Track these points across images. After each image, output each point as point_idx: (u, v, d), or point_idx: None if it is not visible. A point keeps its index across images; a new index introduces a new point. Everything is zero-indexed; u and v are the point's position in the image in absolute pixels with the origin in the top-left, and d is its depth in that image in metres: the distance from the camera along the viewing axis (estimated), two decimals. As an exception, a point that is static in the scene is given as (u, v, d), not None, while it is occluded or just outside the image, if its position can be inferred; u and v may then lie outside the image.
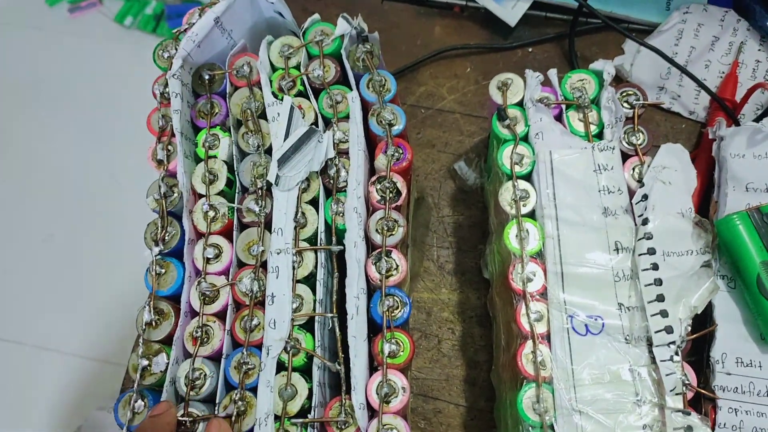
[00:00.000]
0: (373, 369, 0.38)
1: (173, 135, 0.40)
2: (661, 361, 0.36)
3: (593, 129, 0.41)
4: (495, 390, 0.44)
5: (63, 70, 1.29)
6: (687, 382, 0.36)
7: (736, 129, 0.45)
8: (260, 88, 0.42)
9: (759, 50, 0.52)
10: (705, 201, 0.46)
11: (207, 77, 0.42)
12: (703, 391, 0.37)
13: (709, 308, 0.41)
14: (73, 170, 1.20)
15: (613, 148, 0.40)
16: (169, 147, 0.41)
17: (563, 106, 0.42)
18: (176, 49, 0.41)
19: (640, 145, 0.41)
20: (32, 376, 1.09)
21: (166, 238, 0.39)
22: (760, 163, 0.45)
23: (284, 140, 0.40)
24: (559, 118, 0.42)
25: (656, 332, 0.36)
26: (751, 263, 0.40)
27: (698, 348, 0.42)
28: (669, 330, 0.36)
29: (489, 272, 0.46)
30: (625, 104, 0.42)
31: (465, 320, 0.47)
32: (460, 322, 0.47)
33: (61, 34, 1.33)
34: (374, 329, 0.38)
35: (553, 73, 0.42)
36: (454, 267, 0.48)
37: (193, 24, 0.41)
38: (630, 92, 0.42)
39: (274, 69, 0.43)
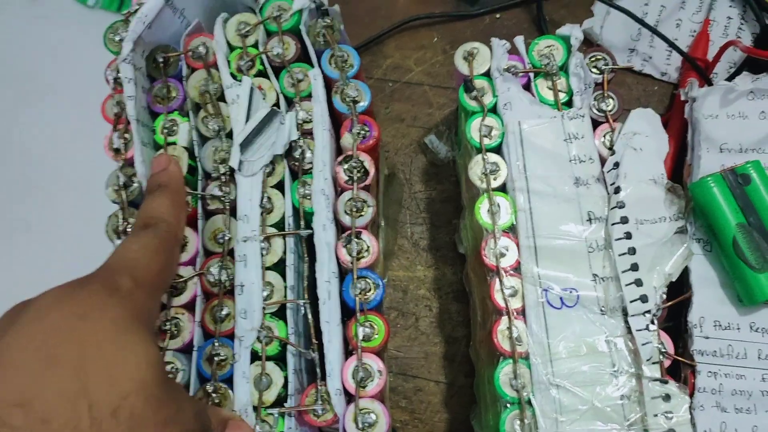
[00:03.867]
0: (348, 353, 0.37)
1: (129, 122, 0.39)
2: (637, 330, 0.36)
3: (562, 97, 0.40)
4: (474, 365, 0.44)
5: (26, 53, 1.25)
6: (664, 350, 0.36)
7: (709, 89, 0.45)
8: (218, 69, 0.40)
9: (730, 7, 0.51)
10: (679, 164, 0.46)
11: (161, 60, 0.41)
12: (680, 358, 0.37)
13: (686, 272, 0.41)
14: (42, 156, 1.17)
15: (583, 116, 0.39)
16: (126, 135, 0.39)
17: (531, 75, 0.41)
18: (127, 32, 0.39)
19: (611, 111, 0.40)
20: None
21: (128, 230, 0.38)
22: (733, 123, 0.44)
23: (245, 123, 0.39)
24: (527, 86, 0.41)
25: (631, 302, 0.36)
26: (727, 225, 0.40)
27: (676, 313, 0.42)
28: (644, 299, 0.36)
29: (464, 247, 0.45)
30: (594, 69, 0.41)
31: (442, 297, 0.46)
32: (436, 299, 0.46)
33: (22, 17, 1.28)
34: (347, 313, 0.38)
35: (519, 41, 0.41)
36: (428, 243, 0.48)
37: (143, 4, 0.39)
38: (599, 57, 0.41)
39: (231, 48, 0.41)
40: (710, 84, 0.48)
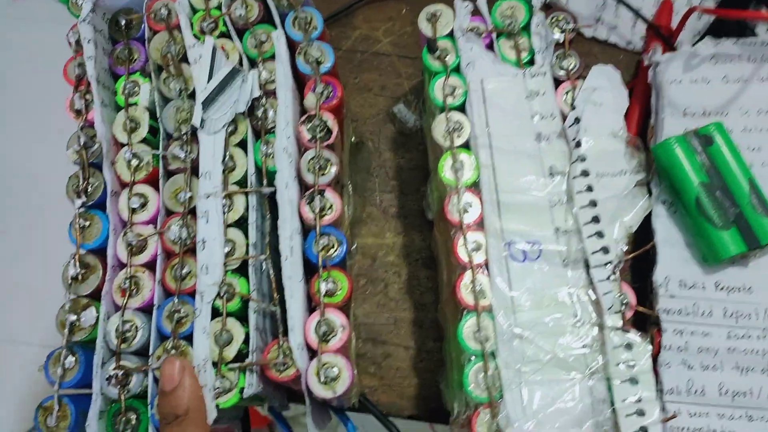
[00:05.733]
0: (311, 310, 0.37)
1: (90, 84, 0.38)
2: (599, 281, 0.36)
3: (524, 56, 0.40)
4: (442, 329, 0.44)
5: (10, 56, 1.24)
6: (626, 300, 0.36)
7: (672, 54, 0.45)
8: (180, 31, 0.40)
9: (693, -23, 0.52)
10: (644, 130, 0.46)
11: (123, 22, 0.40)
12: (642, 309, 0.37)
13: (650, 233, 0.41)
14: (24, 159, 1.17)
15: (545, 74, 0.39)
16: (87, 96, 0.39)
17: (494, 35, 0.41)
18: (88, -6, 0.39)
19: (572, 69, 0.40)
20: (-1, 370, 1.07)
21: (89, 189, 0.38)
22: (696, 88, 0.45)
23: (207, 82, 0.38)
24: (490, 47, 0.41)
25: (593, 253, 0.36)
26: (690, 185, 0.40)
27: (642, 275, 0.42)
28: (605, 250, 0.36)
29: (431, 212, 0.45)
30: (556, 29, 0.41)
31: (411, 263, 0.46)
32: (405, 266, 0.46)
33: (5, 20, 1.27)
34: (311, 271, 0.37)
35: (482, 2, 0.41)
36: (397, 211, 0.48)
37: (103, -35, 0.39)
38: (560, 17, 0.41)
39: (194, 11, 0.41)
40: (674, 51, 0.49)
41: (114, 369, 0.35)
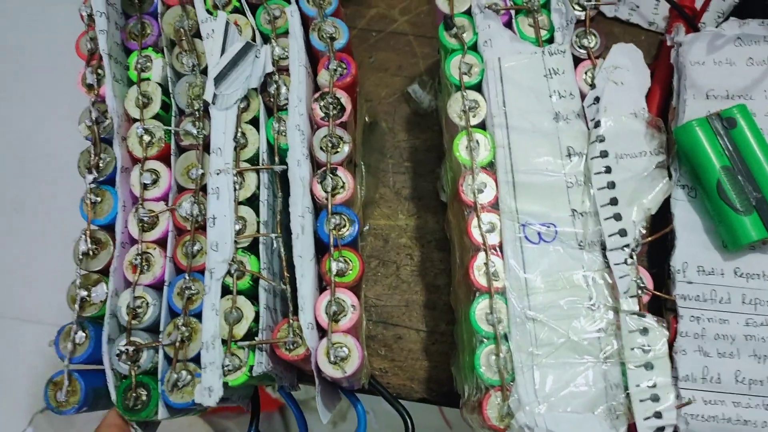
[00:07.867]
0: (322, 290, 0.37)
1: (102, 58, 0.38)
2: (615, 264, 0.35)
3: (544, 34, 0.39)
4: (455, 312, 0.43)
5: (24, 32, 1.24)
6: (642, 285, 0.35)
7: (696, 35, 0.44)
8: (193, 6, 0.40)
9: (719, -44, 0.50)
10: (665, 111, 0.45)
11: (136, -4, 0.40)
12: (659, 293, 0.36)
13: (670, 219, 0.40)
14: (38, 137, 1.17)
15: (564, 52, 0.38)
16: (99, 71, 0.39)
17: (512, 12, 0.40)
18: (100, -33, 0.39)
19: (593, 48, 0.39)
20: (13, 348, 1.08)
21: (100, 165, 0.38)
22: (720, 70, 0.43)
23: (220, 57, 0.38)
24: (508, 24, 0.40)
25: (610, 236, 0.35)
26: (711, 168, 0.39)
27: (660, 260, 0.41)
28: (623, 233, 0.35)
29: (445, 194, 0.45)
30: (576, 6, 0.40)
31: (423, 245, 0.46)
32: (418, 248, 0.46)
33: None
34: (322, 250, 0.37)
35: (501, -22, 0.40)
36: (410, 192, 0.47)
37: (116, -62, 0.38)
38: (581, -6, 0.40)
39: (207, -15, 0.41)
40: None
41: (125, 345, 0.35)
